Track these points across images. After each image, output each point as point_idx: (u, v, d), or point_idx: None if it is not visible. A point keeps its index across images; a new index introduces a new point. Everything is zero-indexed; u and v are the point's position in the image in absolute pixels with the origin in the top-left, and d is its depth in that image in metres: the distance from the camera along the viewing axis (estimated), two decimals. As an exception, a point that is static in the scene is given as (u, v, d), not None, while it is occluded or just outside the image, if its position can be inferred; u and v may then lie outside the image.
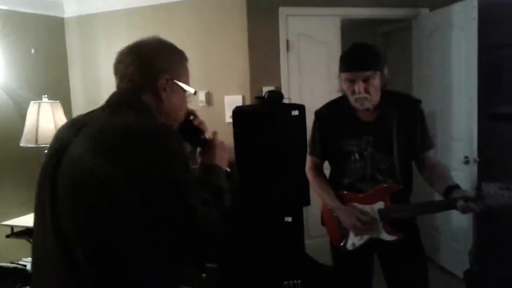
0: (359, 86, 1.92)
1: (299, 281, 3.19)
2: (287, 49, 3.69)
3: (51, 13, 4.26)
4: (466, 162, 3.39)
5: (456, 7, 3.48)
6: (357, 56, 1.97)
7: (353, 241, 2.11)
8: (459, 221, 3.54)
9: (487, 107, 3.51)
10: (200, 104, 3.88)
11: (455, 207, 1.79)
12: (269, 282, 3.26)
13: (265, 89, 3.44)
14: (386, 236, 2.03)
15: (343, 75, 1.98)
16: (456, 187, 1.88)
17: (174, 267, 1.18)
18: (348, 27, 5.17)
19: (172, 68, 1.30)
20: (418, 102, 2.10)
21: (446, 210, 2.05)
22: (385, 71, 1.98)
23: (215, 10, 3.78)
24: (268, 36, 3.67)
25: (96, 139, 1.13)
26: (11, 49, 3.80)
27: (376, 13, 3.94)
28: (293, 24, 3.69)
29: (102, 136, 1.13)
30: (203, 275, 3.25)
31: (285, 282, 3.21)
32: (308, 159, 2.31)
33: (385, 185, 2.04)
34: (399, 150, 2.02)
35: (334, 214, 2.14)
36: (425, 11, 3.94)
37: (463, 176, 3.46)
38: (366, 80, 1.91)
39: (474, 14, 3.22)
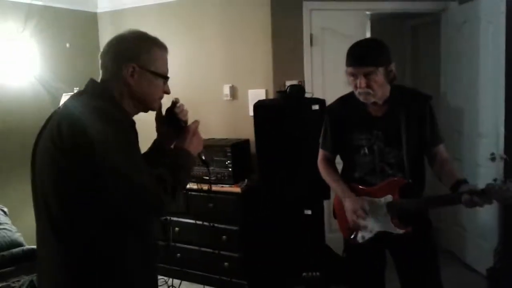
0: (361, 81, 1.94)
1: (317, 273, 3.23)
2: (311, 44, 3.70)
3: (84, 8, 4.44)
4: (492, 159, 3.31)
5: (484, 0, 3.40)
6: (359, 51, 1.99)
7: (363, 234, 2.13)
8: (485, 218, 3.49)
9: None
10: (225, 98, 3.97)
11: (460, 201, 1.80)
12: (289, 273, 3.32)
13: (288, 83, 3.48)
14: (394, 229, 2.05)
15: (347, 69, 2.01)
16: (464, 181, 1.89)
17: (124, 225, 1.35)
18: (377, 22, 5.14)
19: (140, 57, 1.42)
20: (428, 97, 2.09)
21: (451, 205, 2.05)
22: (391, 66, 1.98)
23: (239, 5, 3.84)
24: (292, 31, 3.69)
25: (51, 124, 1.35)
26: (46, 43, 3.99)
27: (402, 6, 3.88)
28: (317, 18, 3.69)
29: (54, 122, 1.34)
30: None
31: (304, 274, 3.27)
32: (320, 153, 2.35)
33: (394, 179, 2.06)
34: (408, 145, 2.04)
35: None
36: (454, 4, 3.85)
37: (489, 173, 3.39)
38: (367, 75, 1.93)
39: (503, 7, 3.14)
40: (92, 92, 1.41)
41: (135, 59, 1.41)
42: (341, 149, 2.27)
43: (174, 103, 1.60)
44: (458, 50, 3.79)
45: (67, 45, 4.15)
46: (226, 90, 3.95)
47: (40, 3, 3.90)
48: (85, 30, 4.40)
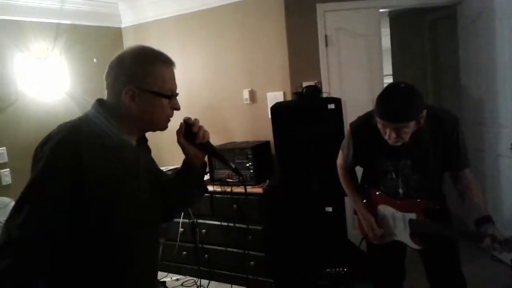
0: (391, 134, 1.90)
1: (341, 268, 3.29)
2: (326, 44, 3.77)
3: (110, 24, 4.66)
4: (513, 148, 3.30)
5: (498, -10, 3.38)
6: (390, 107, 1.87)
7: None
8: (509, 208, 3.46)
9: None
10: (245, 102, 4.09)
11: (481, 241, 1.82)
12: (313, 269, 3.39)
13: (305, 84, 3.55)
14: (412, 244, 2.12)
15: (377, 118, 1.93)
16: (487, 219, 1.88)
17: None
18: (395, 18, 5.15)
19: (140, 78, 1.31)
20: (455, 122, 2.03)
21: (472, 241, 2.04)
22: (423, 113, 1.88)
23: (255, 11, 3.96)
24: (306, 33, 3.77)
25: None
26: (75, 59, 4.21)
27: (416, 2, 3.89)
28: (331, 19, 3.76)
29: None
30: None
31: (327, 270, 3.33)
32: (340, 157, 2.39)
33: (420, 201, 2.09)
34: (435, 170, 2.09)
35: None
36: (469, -4, 3.85)
37: (511, 163, 3.37)
38: (398, 129, 1.88)
39: (516, -4, 3.14)
40: (91, 114, 1.34)
41: (135, 81, 1.30)
42: (364, 166, 2.34)
43: (190, 124, 1.44)
44: (475, 42, 3.78)
45: (94, 60, 4.36)
46: (246, 94, 4.07)
47: (68, 22, 4.13)
48: (111, 45, 4.61)
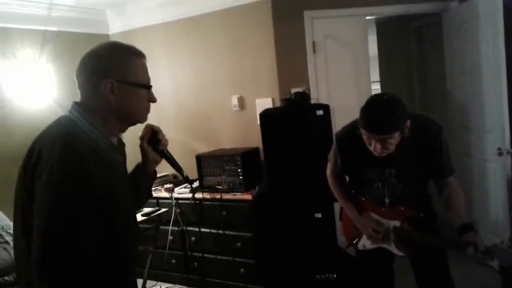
0: (376, 145, 1.91)
1: (330, 275, 3.29)
2: (314, 51, 3.80)
3: (97, 31, 4.63)
4: (500, 153, 3.34)
5: (482, -2, 3.45)
6: (374, 120, 1.88)
7: (365, 243, 2.25)
8: (496, 214, 3.50)
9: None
10: (234, 108, 4.09)
11: (464, 250, 1.85)
12: (302, 275, 3.39)
13: (294, 90, 3.56)
14: (396, 251, 2.15)
15: (361, 130, 1.94)
16: (470, 227, 1.92)
17: None
18: (382, 25, 5.22)
19: (117, 70, 1.32)
20: (438, 131, 2.04)
21: (454, 249, 2.07)
22: (407, 123, 1.90)
23: (243, 19, 3.97)
24: (294, 39, 3.80)
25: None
26: (62, 67, 4.17)
27: (403, 9, 3.93)
28: (319, 26, 3.79)
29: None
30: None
31: (317, 276, 3.33)
32: (329, 167, 2.41)
33: (404, 209, 2.12)
34: (420, 179, 2.12)
35: None
36: (454, 4, 3.90)
37: (497, 167, 3.42)
38: (383, 140, 1.89)
39: (499, 4, 3.19)
40: (75, 118, 1.31)
41: (112, 74, 1.30)
42: (350, 175, 2.36)
43: (156, 131, 1.53)
44: (460, 49, 3.83)
45: (82, 67, 4.32)
46: (235, 101, 4.07)
47: (54, 28, 4.10)
48: (98, 52, 4.58)
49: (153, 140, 1.53)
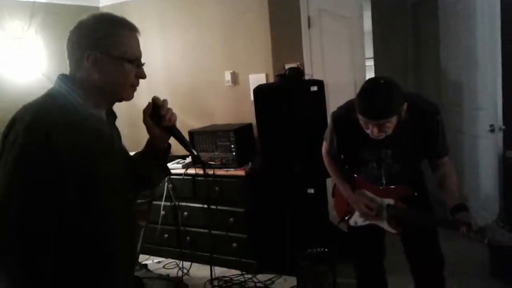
0: (373, 130, 1.90)
1: (322, 249, 3.32)
2: (309, 26, 3.74)
3: (87, 3, 4.52)
4: (492, 130, 3.36)
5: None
6: (371, 105, 1.87)
7: (356, 220, 2.26)
8: (486, 190, 3.54)
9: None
10: (227, 84, 4.05)
11: (457, 229, 1.87)
12: (295, 250, 3.42)
13: (288, 66, 3.54)
14: (388, 228, 2.17)
15: (358, 115, 1.93)
16: (463, 207, 1.94)
17: None
18: (377, 1, 5.14)
19: (102, 42, 1.26)
20: (435, 112, 2.04)
21: (448, 229, 2.09)
22: (404, 106, 1.90)
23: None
24: (289, 14, 3.73)
25: None
26: (51, 39, 4.09)
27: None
28: (314, 0, 3.72)
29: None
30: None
31: (309, 250, 3.36)
32: (325, 146, 2.40)
33: (398, 187, 2.13)
34: (416, 159, 2.13)
35: None
36: (450, -22, 3.86)
37: (489, 144, 3.45)
38: (381, 125, 1.88)
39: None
40: (56, 91, 1.28)
41: (97, 46, 1.25)
42: (346, 155, 2.34)
43: (158, 106, 1.40)
44: (455, 25, 3.81)
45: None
46: (228, 76, 4.03)
47: (43, 0, 4.01)
48: (88, 25, 4.49)
49: (156, 115, 1.40)
